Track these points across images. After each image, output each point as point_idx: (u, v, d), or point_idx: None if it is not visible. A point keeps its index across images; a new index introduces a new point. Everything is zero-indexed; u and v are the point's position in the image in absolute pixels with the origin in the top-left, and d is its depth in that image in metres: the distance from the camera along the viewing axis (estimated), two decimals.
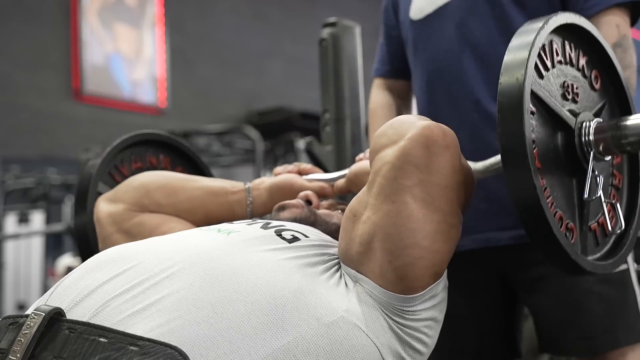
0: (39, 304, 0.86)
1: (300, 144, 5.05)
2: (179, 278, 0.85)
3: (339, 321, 0.87)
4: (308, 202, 1.24)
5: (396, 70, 1.67)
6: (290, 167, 1.36)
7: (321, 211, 1.21)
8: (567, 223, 0.97)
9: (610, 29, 1.33)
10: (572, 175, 1.01)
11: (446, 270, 0.99)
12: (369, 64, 1.75)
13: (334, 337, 0.86)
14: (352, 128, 1.77)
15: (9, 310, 5.79)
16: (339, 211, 1.23)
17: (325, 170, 1.60)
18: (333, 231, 1.13)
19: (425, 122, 0.95)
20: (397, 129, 0.96)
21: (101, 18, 7.78)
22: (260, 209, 1.30)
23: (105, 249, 1.22)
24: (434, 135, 0.93)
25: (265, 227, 1.02)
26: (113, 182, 1.36)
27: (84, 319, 0.80)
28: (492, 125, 1.43)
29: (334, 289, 0.92)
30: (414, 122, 0.95)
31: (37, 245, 5.99)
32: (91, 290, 0.85)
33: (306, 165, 1.37)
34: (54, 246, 6.20)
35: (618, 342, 1.35)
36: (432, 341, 0.99)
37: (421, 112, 1.56)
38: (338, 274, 0.96)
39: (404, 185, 0.92)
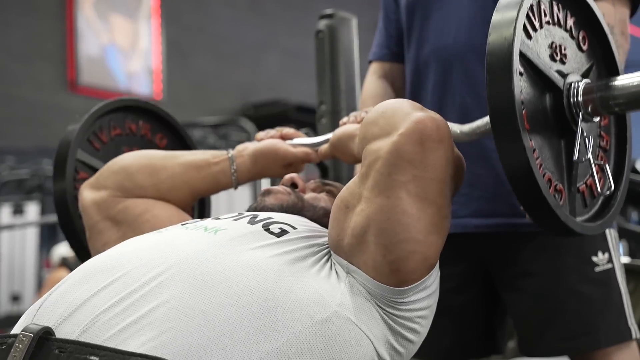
0: (27, 320, 0.84)
1: None
2: (168, 287, 0.84)
3: (332, 317, 0.86)
4: (294, 185, 1.20)
5: (394, 54, 1.63)
6: (272, 132, 1.33)
7: (308, 195, 1.18)
8: (556, 184, 0.96)
9: None
10: (560, 136, 1.00)
11: (438, 260, 0.98)
12: (366, 56, 1.72)
13: (327, 334, 0.85)
14: None
15: (4, 301, 5.79)
16: (325, 193, 1.21)
17: (323, 166, 1.58)
18: (321, 216, 1.12)
19: (418, 113, 0.93)
20: (389, 119, 0.94)
21: (97, 9, 7.76)
22: (245, 176, 1.28)
23: (92, 237, 1.21)
24: (428, 130, 0.91)
25: (252, 221, 1.00)
26: (92, 149, 1.35)
27: (74, 336, 0.79)
28: (483, 108, 1.41)
29: (325, 281, 0.91)
30: (407, 113, 0.93)
31: (31, 236, 5.98)
32: (79, 304, 0.83)
33: (289, 130, 1.34)
34: (48, 237, 6.18)
35: (599, 343, 1.33)
36: (424, 330, 0.98)
37: (411, 94, 1.53)
38: (328, 264, 0.95)
39: (398, 181, 0.91)
